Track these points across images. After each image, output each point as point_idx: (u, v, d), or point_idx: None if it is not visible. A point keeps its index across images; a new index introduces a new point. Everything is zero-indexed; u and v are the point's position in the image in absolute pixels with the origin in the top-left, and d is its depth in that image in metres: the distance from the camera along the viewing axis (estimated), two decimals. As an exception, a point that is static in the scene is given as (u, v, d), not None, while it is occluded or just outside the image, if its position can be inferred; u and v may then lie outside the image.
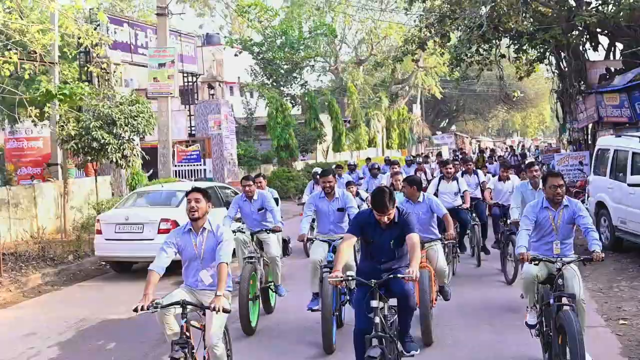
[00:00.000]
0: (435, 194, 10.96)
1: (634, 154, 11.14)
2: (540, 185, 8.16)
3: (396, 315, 5.77)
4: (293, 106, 32.77)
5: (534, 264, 6.06)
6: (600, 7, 21.71)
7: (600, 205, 12.54)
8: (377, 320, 5.33)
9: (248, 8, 30.49)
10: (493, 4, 21.21)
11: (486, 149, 39.77)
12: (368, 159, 19.44)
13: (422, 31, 23.47)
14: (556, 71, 24.39)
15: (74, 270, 12.71)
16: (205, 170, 23.26)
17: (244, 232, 9.16)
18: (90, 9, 18.79)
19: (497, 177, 12.56)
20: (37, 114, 14.15)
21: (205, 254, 5.66)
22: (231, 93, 36.34)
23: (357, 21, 38.21)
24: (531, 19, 22.41)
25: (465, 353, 7.03)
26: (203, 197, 5.67)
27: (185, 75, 25.29)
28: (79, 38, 15.66)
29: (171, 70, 18.03)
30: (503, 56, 26.97)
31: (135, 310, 5.11)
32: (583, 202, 13.42)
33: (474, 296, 9.39)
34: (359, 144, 35.37)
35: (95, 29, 17.01)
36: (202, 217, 5.66)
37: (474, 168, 13.42)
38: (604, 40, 24.11)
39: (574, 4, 21.58)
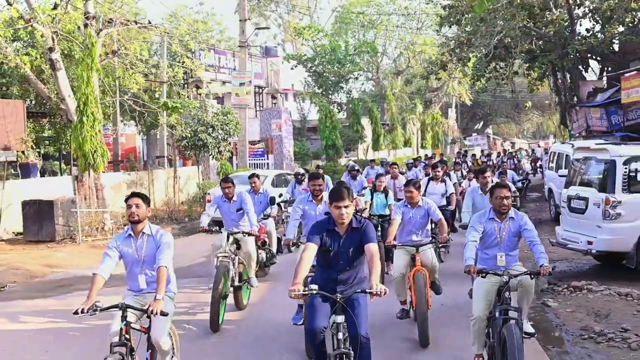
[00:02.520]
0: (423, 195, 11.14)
1: (565, 155, 16.84)
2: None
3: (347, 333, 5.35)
4: (339, 112, 38.78)
5: (481, 276, 6.03)
6: (588, 39, 26.83)
7: (550, 191, 18.26)
8: (340, 336, 5.15)
9: (303, 30, 36.62)
10: (500, 36, 26.63)
11: (482, 152, 38.79)
12: (372, 161, 21.75)
13: (444, 55, 29.15)
14: (554, 88, 29.83)
15: (189, 227, 18.92)
16: (268, 163, 29.42)
17: (220, 232, 9.09)
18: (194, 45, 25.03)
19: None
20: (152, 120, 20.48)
21: (145, 258, 5.69)
22: (286, 99, 42.55)
23: (396, 38, 43.92)
24: (533, 45, 27.89)
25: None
26: (143, 202, 5.70)
27: (256, 89, 31.56)
28: (185, 66, 22.01)
29: (248, 88, 24.28)
30: (516, 73, 32.64)
31: (76, 312, 5.13)
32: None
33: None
34: (395, 144, 41.12)
35: (193, 54, 23.39)
36: (142, 221, 5.69)
37: (443, 176, 13.24)
38: (594, 64, 29.52)
39: (568, 35, 26.79)
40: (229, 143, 22.72)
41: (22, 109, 18.50)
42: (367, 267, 5.36)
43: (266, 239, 10.40)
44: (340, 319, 5.18)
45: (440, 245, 8.51)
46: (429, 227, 8.43)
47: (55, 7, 16.70)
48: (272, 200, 11.19)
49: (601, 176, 10.84)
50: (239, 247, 9.02)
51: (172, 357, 5.75)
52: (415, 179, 10.54)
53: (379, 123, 37.77)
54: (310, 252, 5.37)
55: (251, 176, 11.22)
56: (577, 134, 30.46)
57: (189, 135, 20.89)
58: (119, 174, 21.45)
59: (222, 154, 21.26)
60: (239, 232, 8.96)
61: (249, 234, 8.95)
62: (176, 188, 21.60)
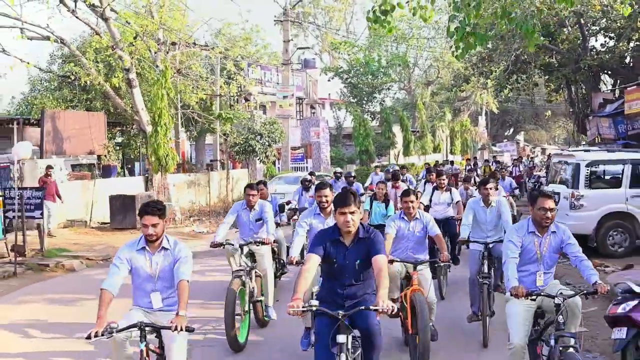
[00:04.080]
0: (428, 205, 11.06)
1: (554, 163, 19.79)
2: (493, 203, 8.35)
3: (360, 350, 4.94)
4: (372, 120, 42.03)
5: (531, 299, 5.35)
6: (600, 54, 29.45)
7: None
8: (342, 358, 4.69)
9: (339, 45, 39.99)
10: (517, 52, 29.49)
11: (494, 159, 35.32)
12: (377, 167, 23.62)
13: (467, 69, 32.16)
14: (568, 99, 32.59)
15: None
16: (307, 167, 32.77)
17: (233, 245, 8.55)
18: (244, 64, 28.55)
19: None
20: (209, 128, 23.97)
21: (160, 274, 5.21)
22: (323, 108, 45.94)
23: (427, 49, 46.98)
24: (550, 59, 30.70)
25: None
26: (159, 219, 5.17)
27: (297, 100, 35.04)
28: (238, 82, 25.53)
29: (291, 100, 27.68)
30: (536, 84, 35.52)
31: (89, 337, 4.60)
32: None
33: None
34: (425, 150, 44.08)
35: (240, 70, 26.90)
36: (160, 238, 5.22)
37: (449, 185, 12.18)
38: (605, 77, 32.21)
39: (581, 51, 29.48)
40: (274, 149, 26.08)
41: (103, 120, 22.19)
42: (375, 281, 4.94)
43: (275, 249, 9.81)
44: (343, 338, 4.74)
45: (442, 265, 7.62)
46: (426, 243, 7.73)
47: (135, 38, 20.29)
48: (281, 208, 10.88)
49: (570, 176, 13.88)
50: (254, 260, 8.54)
51: None
52: (411, 188, 10.14)
53: (409, 130, 40.82)
54: (311, 264, 4.98)
55: (258, 183, 10.29)
56: (591, 141, 33.16)
57: (241, 142, 24.34)
58: (181, 175, 24.97)
59: (268, 158, 24.73)
60: (252, 243, 8.43)
61: (263, 243, 8.39)
62: (229, 187, 25.03)
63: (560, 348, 5.09)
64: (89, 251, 15.26)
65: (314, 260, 5.02)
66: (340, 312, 4.81)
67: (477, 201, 8.68)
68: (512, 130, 72.93)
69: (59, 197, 17.24)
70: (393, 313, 4.66)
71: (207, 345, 7.87)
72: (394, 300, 6.75)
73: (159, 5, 20.81)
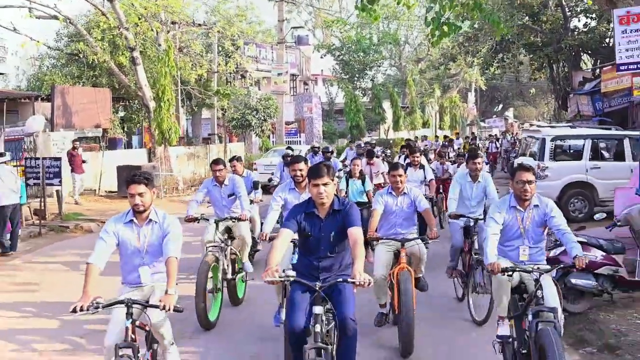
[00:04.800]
0: None
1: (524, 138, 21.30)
2: (480, 179, 8.33)
3: (333, 323, 4.87)
4: (363, 96, 43.43)
5: (507, 275, 5.29)
6: (579, 35, 30.87)
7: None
8: (317, 329, 4.63)
9: (332, 23, 41.26)
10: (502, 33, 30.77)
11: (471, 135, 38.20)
12: (351, 142, 24.21)
13: (454, 48, 33.56)
14: (549, 78, 34.08)
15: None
16: (300, 140, 34.22)
17: (208, 220, 8.33)
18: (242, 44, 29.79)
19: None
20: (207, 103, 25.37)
21: (149, 248, 5.06)
22: (316, 84, 47.28)
23: (418, 28, 48.20)
24: (533, 39, 32.10)
25: None
26: (147, 188, 4.99)
27: (290, 77, 36.40)
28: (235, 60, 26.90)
29: (285, 77, 29.07)
30: (521, 63, 36.99)
31: (74, 310, 4.48)
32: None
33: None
34: (414, 125, 45.58)
35: (237, 49, 28.25)
36: (148, 209, 5.02)
37: (421, 162, 12.06)
38: (585, 57, 33.69)
39: (562, 32, 30.87)
40: (269, 123, 27.55)
41: (109, 96, 23.58)
42: (351, 252, 4.91)
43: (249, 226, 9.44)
44: (319, 309, 4.71)
45: (430, 242, 7.25)
46: (415, 218, 7.50)
47: (140, 19, 21.61)
48: (255, 185, 10.60)
49: (537, 149, 15.43)
50: (230, 237, 8.42)
51: (172, 344, 5.16)
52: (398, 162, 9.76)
53: (398, 106, 42.25)
54: (283, 239, 4.95)
55: (231, 160, 10.33)
56: (571, 117, 34.68)
57: (238, 117, 25.77)
58: (182, 147, 26.39)
59: (263, 132, 26.20)
60: (228, 219, 8.31)
61: (239, 219, 8.26)
62: (226, 159, 26.50)
63: (537, 323, 4.99)
64: (102, 216, 16.76)
65: (286, 235, 4.98)
66: (318, 283, 4.80)
67: (463, 175, 8.54)
68: (501, 106, 74.42)
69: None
70: (370, 286, 4.69)
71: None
72: (383, 306, 7.09)
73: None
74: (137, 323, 4.82)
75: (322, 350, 4.57)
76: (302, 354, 4.67)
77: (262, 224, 8.29)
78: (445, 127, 52.61)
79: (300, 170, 7.02)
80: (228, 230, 8.50)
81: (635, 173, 10.31)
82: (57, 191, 16.02)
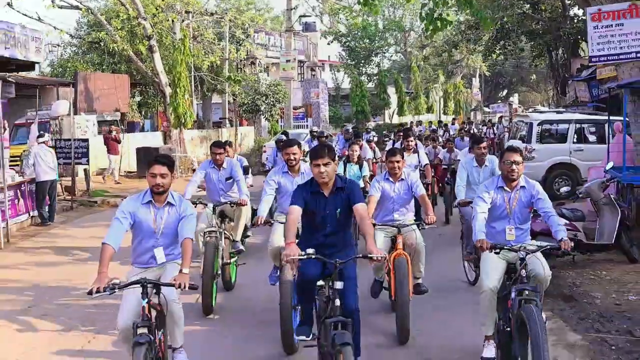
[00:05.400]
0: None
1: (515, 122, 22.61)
2: (486, 162, 8.24)
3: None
4: (369, 81, 44.73)
5: (495, 253, 5.34)
6: (577, 23, 31.97)
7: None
8: (337, 302, 4.83)
9: (338, 10, 42.51)
10: (501, 21, 32.01)
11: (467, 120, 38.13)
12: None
13: (457, 35, 34.76)
14: (549, 65, 35.27)
15: (249, 172, 25.14)
16: (307, 125, 35.57)
17: (206, 204, 8.22)
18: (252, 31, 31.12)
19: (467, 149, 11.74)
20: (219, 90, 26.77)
21: (164, 230, 5.18)
22: (323, 69, 48.58)
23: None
24: (534, 26, 33.24)
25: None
26: (168, 170, 5.12)
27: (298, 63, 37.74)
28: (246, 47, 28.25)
29: (293, 64, 30.40)
30: (522, 50, 38.16)
31: (90, 292, 4.57)
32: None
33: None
34: (418, 110, 46.86)
35: (247, 37, 29.59)
36: (167, 190, 5.16)
37: (416, 145, 12.01)
38: (584, 44, 34.81)
39: (561, 20, 31.98)
40: (278, 108, 28.93)
41: (127, 82, 25.03)
42: (360, 229, 5.22)
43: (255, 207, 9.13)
44: (340, 284, 4.89)
45: (427, 227, 7.08)
46: (412, 204, 7.47)
47: (157, 9, 22.98)
48: (246, 170, 10.53)
49: (525, 132, 16.76)
50: (223, 221, 8.37)
51: (182, 321, 5.24)
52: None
53: (403, 92, 43.52)
54: (295, 215, 5.13)
55: (224, 143, 9.48)
56: (569, 103, 35.79)
57: (248, 102, 27.16)
58: (195, 131, 27.81)
59: (272, 117, 27.62)
60: (226, 203, 8.26)
61: (238, 204, 8.24)
62: (237, 142, 27.92)
63: (520, 300, 5.08)
64: (124, 192, 18.23)
65: (297, 211, 5.14)
66: (338, 260, 4.94)
67: (469, 161, 8.54)
68: (506, 91, 75.41)
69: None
70: (383, 260, 5.07)
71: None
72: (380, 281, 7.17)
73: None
74: (151, 303, 4.89)
75: (342, 324, 4.75)
76: (310, 303, 5.20)
77: (253, 209, 8.71)
78: (450, 112, 53.79)
79: (294, 154, 7.04)
80: (222, 214, 8.40)
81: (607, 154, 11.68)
82: (84, 170, 17.47)
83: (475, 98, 60.07)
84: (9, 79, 13.69)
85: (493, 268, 5.53)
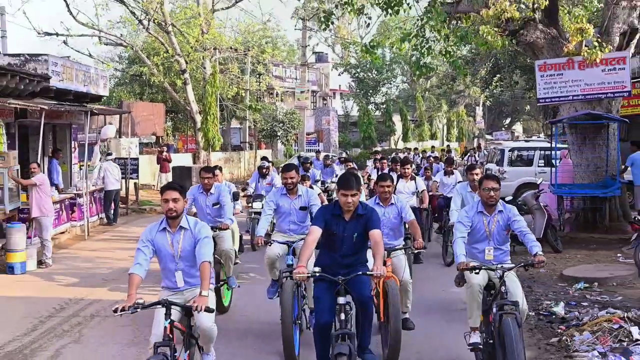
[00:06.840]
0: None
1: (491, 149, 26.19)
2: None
3: (353, 310, 5.64)
4: (376, 110, 48.54)
5: (475, 273, 5.79)
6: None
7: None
8: (342, 317, 5.28)
9: (349, 45, 46.44)
10: (494, 58, 35.63)
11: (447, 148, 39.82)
12: (318, 152, 28.82)
13: (454, 70, 38.36)
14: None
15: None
16: (318, 149, 39.10)
17: None
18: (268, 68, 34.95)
19: (442, 171, 13.94)
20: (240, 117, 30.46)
21: (182, 253, 5.42)
22: (333, 97, 52.51)
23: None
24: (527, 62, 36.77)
25: None
26: (180, 195, 5.38)
27: (312, 93, 41.62)
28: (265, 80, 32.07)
29: (307, 94, 34.19)
30: (517, 82, 41.76)
31: (115, 311, 4.89)
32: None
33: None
34: (422, 137, 50.51)
35: (267, 70, 33.43)
36: (180, 215, 5.40)
37: (414, 174, 12.41)
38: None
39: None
40: (293, 134, 32.67)
41: (163, 109, 28.81)
42: (372, 251, 5.60)
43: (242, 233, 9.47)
44: (343, 300, 5.35)
45: (416, 252, 7.10)
46: (402, 229, 7.65)
47: (191, 48, 26.84)
48: (235, 196, 10.67)
49: (499, 157, 20.27)
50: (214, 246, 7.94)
51: (212, 349, 5.53)
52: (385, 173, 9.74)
53: (407, 120, 47.20)
54: (314, 236, 5.50)
55: (213, 168, 9.75)
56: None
57: (267, 128, 30.92)
58: (220, 153, 31.50)
59: (288, 141, 31.38)
60: (214, 228, 7.89)
61: (220, 228, 8.26)
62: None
63: (501, 315, 5.47)
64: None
65: (317, 232, 5.54)
66: (341, 277, 5.38)
67: (464, 186, 9.13)
68: (509, 119, 78.87)
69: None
70: (384, 277, 5.48)
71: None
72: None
73: (208, 24, 27.28)
74: (179, 325, 5.18)
75: (347, 335, 5.27)
76: (328, 342, 5.43)
77: (241, 236, 9.17)
78: (452, 139, 57.40)
79: (292, 178, 7.49)
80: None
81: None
82: (134, 183, 21.10)
83: (477, 126, 63.65)
84: (95, 111, 17.14)
85: (475, 277, 6.00)
